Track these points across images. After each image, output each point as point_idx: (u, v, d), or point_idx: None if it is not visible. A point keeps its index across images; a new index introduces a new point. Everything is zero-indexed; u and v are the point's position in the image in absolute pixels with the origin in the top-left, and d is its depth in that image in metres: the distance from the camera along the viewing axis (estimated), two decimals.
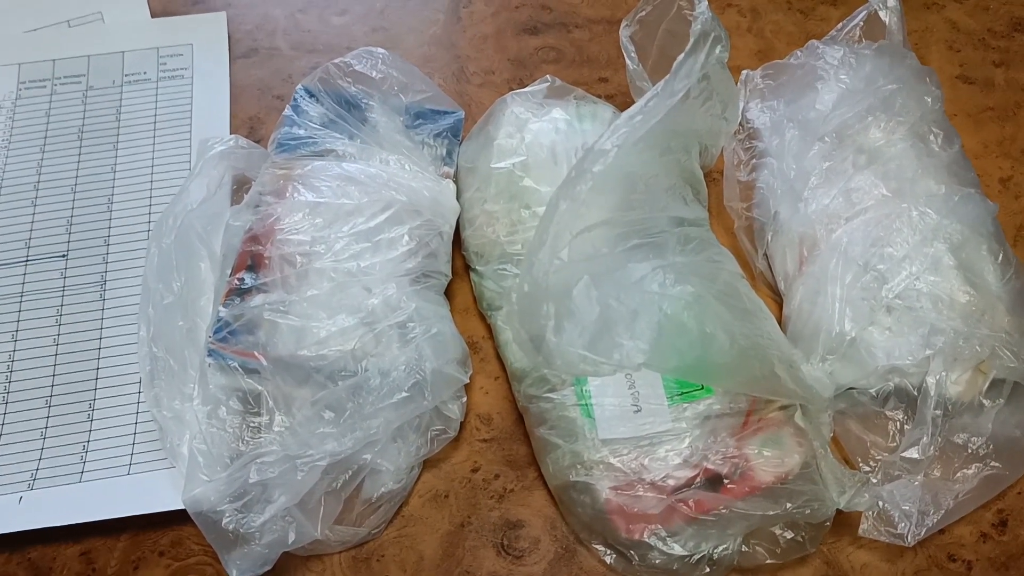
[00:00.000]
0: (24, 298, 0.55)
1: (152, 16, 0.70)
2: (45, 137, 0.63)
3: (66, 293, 0.56)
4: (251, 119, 0.64)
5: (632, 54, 0.56)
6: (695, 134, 0.49)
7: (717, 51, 0.44)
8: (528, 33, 0.69)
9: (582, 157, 0.42)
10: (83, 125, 0.63)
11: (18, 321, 0.54)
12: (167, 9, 0.70)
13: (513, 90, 0.64)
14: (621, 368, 0.40)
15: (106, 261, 0.57)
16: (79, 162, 0.61)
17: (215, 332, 0.49)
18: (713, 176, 0.59)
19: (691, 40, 0.44)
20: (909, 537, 0.45)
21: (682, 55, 0.43)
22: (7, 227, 0.58)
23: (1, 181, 0.60)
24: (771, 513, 0.43)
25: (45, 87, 0.66)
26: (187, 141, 0.62)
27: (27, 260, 0.57)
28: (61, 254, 0.57)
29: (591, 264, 0.44)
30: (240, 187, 0.58)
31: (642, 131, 0.41)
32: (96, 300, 0.55)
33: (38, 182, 0.60)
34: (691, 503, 0.44)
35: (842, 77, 0.56)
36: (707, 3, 0.47)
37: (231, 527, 0.43)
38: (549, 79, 0.57)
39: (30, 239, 0.58)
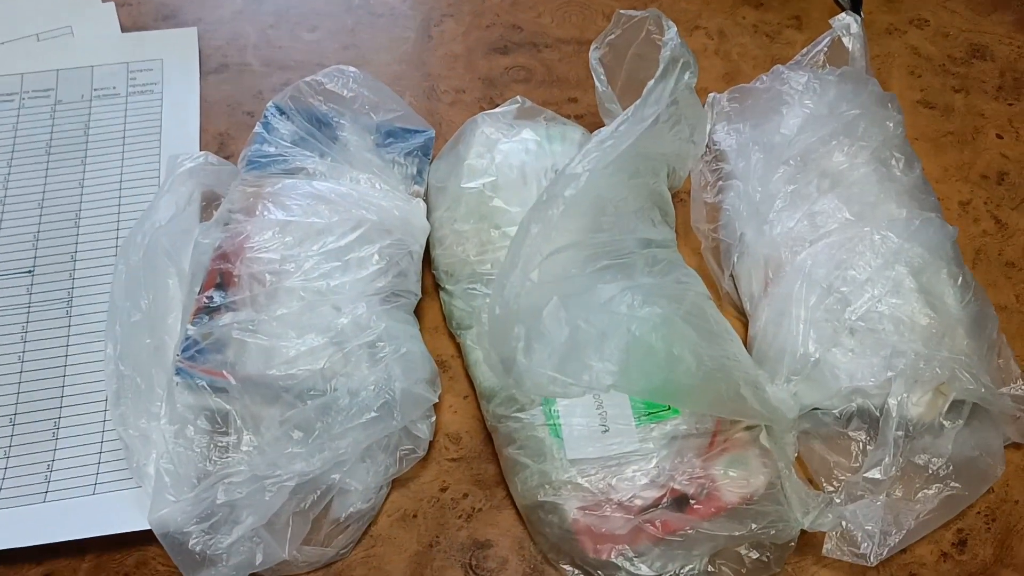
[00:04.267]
0: None
1: (122, 31, 0.69)
2: (12, 151, 0.62)
3: (32, 309, 0.55)
4: (221, 135, 0.64)
5: (602, 76, 0.56)
6: (663, 157, 0.50)
7: (686, 77, 0.45)
8: (498, 52, 0.69)
9: (553, 181, 0.42)
10: (51, 139, 0.63)
11: None
12: (137, 24, 0.70)
13: (484, 109, 0.65)
14: (590, 390, 0.41)
15: (73, 277, 0.56)
16: (46, 177, 0.61)
17: (183, 350, 0.48)
18: (680, 197, 0.60)
19: (661, 66, 0.44)
20: (872, 557, 0.46)
21: (652, 81, 0.43)
22: None
23: None
24: (736, 534, 0.44)
25: (13, 100, 0.65)
26: (156, 156, 0.62)
27: None
28: (27, 270, 0.57)
29: (561, 285, 0.44)
30: (209, 203, 0.57)
31: (613, 155, 0.42)
32: (62, 317, 0.55)
33: (4, 196, 0.60)
34: (658, 523, 0.44)
35: (806, 102, 0.57)
36: (676, 30, 0.48)
37: (198, 548, 0.43)
38: (519, 100, 0.57)
39: None
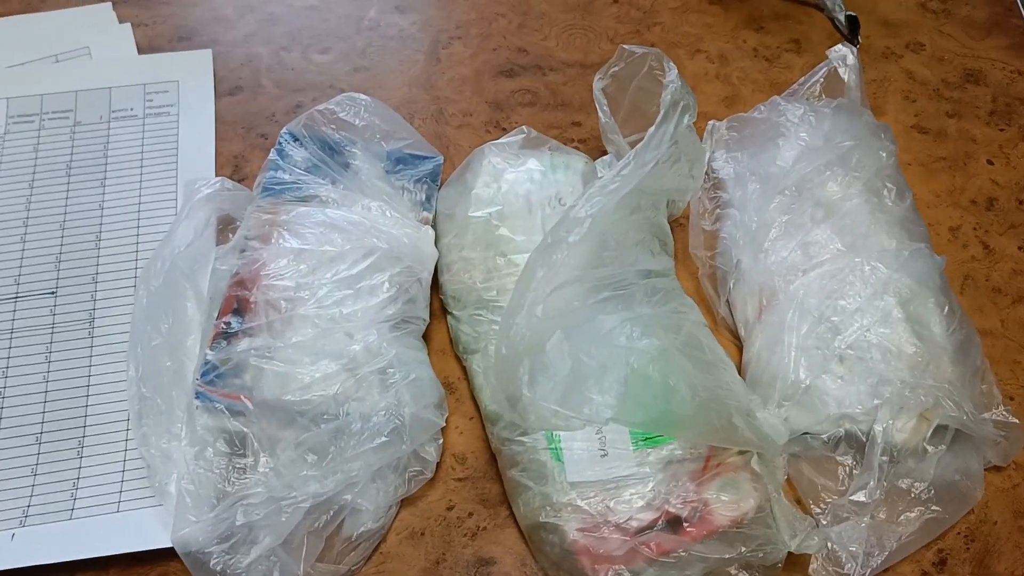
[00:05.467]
0: (14, 334, 0.57)
1: (139, 53, 0.71)
2: (34, 172, 0.65)
3: (55, 330, 0.57)
4: (236, 157, 0.66)
5: (605, 107, 0.58)
6: (664, 192, 0.52)
7: (686, 120, 0.47)
8: (505, 76, 0.71)
9: (557, 224, 0.45)
10: (71, 160, 0.65)
11: (8, 357, 0.56)
12: (153, 45, 0.72)
13: (490, 133, 0.67)
14: (590, 423, 0.43)
15: (94, 298, 0.59)
16: (67, 198, 0.63)
17: (202, 375, 0.51)
18: (679, 222, 0.62)
19: (662, 110, 0.46)
20: None
21: (653, 127, 0.45)
22: None
23: None
24: (727, 556, 0.46)
25: (33, 122, 0.67)
26: (173, 178, 0.64)
27: (16, 296, 0.59)
28: (50, 291, 0.59)
29: (563, 319, 0.47)
30: (225, 226, 0.60)
31: (616, 199, 0.44)
32: (85, 337, 0.57)
33: (27, 217, 0.62)
34: (652, 545, 0.47)
35: (802, 135, 0.59)
36: (676, 71, 0.50)
37: (219, 568, 0.46)
38: (525, 130, 0.59)
39: (19, 276, 0.59)
